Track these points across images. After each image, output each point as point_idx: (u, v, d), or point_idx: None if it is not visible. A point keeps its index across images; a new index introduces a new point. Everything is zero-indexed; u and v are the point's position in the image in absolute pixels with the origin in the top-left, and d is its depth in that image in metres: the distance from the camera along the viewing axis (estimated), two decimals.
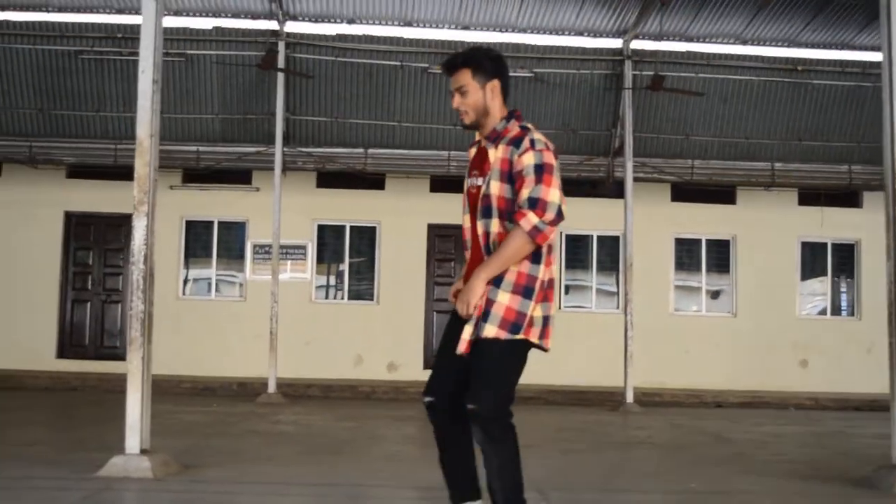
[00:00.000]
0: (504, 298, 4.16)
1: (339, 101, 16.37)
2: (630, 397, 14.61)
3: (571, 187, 17.52)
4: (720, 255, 18.32)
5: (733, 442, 10.58)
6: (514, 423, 4.21)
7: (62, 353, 17.35)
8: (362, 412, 13.01)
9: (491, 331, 4.13)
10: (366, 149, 16.78)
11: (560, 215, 4.13)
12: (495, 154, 4.30)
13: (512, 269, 4.19)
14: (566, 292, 18.12)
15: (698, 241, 18.25)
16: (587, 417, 13.20)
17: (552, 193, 4.14)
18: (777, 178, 17.19)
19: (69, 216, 17.59)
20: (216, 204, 17.22)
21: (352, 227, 17.94)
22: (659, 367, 16.50)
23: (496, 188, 4.26)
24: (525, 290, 4.19)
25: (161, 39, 7.11)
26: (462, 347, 4.19)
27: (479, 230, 4.33)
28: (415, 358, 17.60)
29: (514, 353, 4.20)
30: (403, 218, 17.64)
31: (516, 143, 4.26)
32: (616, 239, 17.86)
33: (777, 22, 15.28)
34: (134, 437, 6.72)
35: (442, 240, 17.99)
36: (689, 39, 15.94)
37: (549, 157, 4.25)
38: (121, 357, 16.93)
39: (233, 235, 17.75)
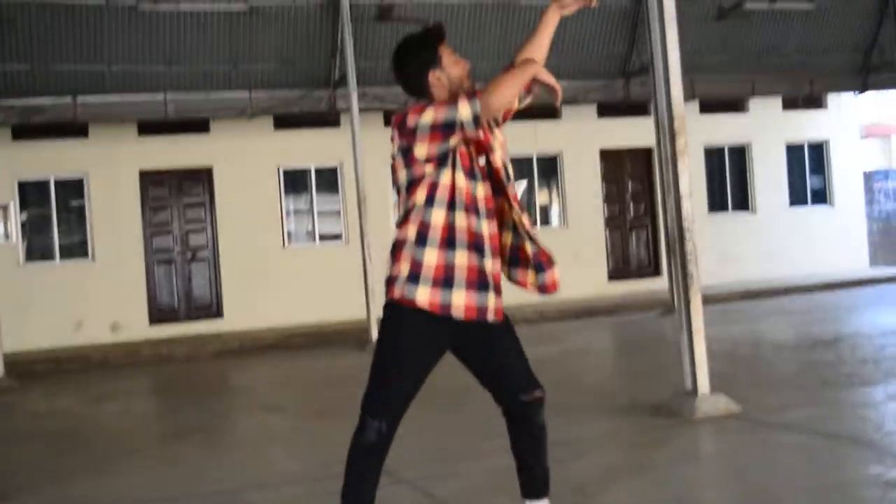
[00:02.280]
0: None
1: (40, 46, 14.94)
2: (375, 334, 14.47)
3: (293, 123, 17.31)
4: None
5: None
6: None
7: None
8: (115, 386, 12.39)
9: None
10: (74, 96, 15.46)
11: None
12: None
13: None
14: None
15: None
16: (343, 361, 12.98)
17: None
18: None
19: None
20: None
21: (57, 182, 16.54)
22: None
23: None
24: None
25: None
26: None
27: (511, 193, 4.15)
28: (139, 315, 16.73)
29: None
30: (113, 167, 16.56)
31: None
32: (334, 170, 17.75)
33: None
34: None
35: (156, 186, 17.00)
36: None
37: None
38: None
39: None
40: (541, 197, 19.64)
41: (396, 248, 4.04)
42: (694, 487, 5.72)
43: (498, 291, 4.02)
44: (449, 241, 3.94)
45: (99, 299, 16.32)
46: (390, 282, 4.02)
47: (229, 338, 15.93)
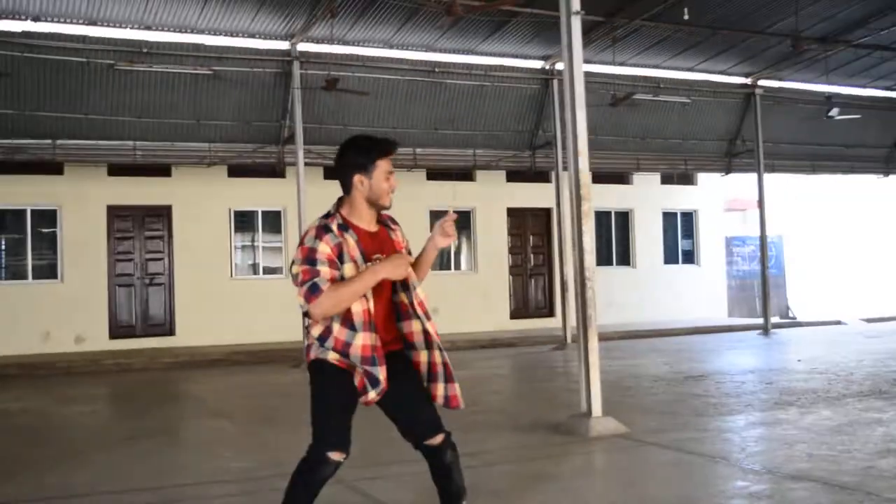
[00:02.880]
0: None
1: (27, 95, 15.67)
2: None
3: (245, 172, 18.23)
4: None
5: None
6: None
7: None
8: (81, 391, 12.71)
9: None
10: (54, 140, 16.21)
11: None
12: (397, 237, 4.26)
13: None
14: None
15: None
16: (283, 378, 13.42)
17: None
18: (418, 161, 18.77)
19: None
20: None
21: (33, 211, 17.31)
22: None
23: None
24: None
25: None
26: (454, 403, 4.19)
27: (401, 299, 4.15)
28: (101, 329, 17.50)
29: None
30: (83, 201, 17.41)
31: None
32: (278, 213, 18.80)
33: (419, 31, 16.61)
34: None
35: (120, 220, 17.87)
36: (348, 43, 16.88)
37: None
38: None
39: None
40: (455, 246, 20.94)
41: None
42: (591, 495, 5.88)
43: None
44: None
45: (65, 315, 17.04)
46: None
47: (180, 352, 16.61)
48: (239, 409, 10.74)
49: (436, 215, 20.27)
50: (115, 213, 17.79)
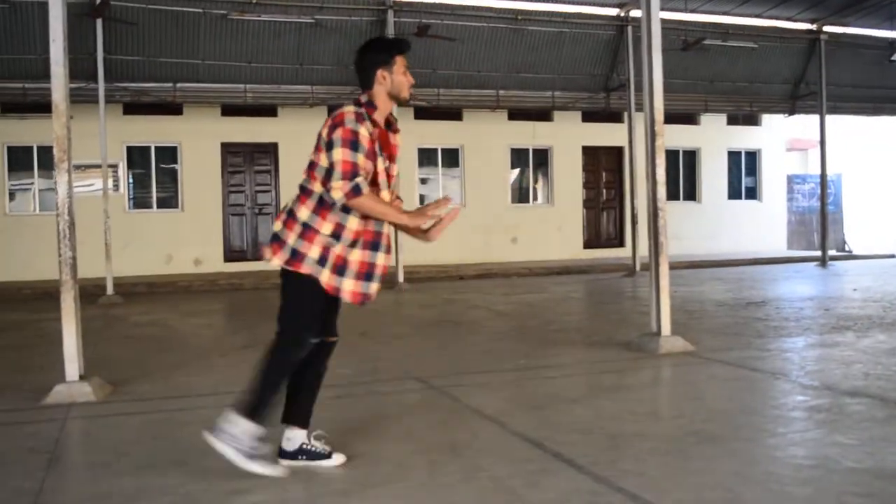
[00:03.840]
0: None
1: (151, 42, 15.54)
2: (401, 277, 15.18)
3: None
4: (451, 159, 19.37)
5: (508, 315, 10.73)
6: None
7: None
8: (199, 307, 12.69)
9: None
10: (174, 83, 16.11)
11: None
12: (396, 141, 4.05)
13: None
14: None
15: (435, 150, 19.18)
16: (379, 296, 13.20)
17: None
18: (501, 102, 18.22)
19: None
20: (37, 131, 15.86)
21: (156, 148, 17.33)
22: (410, 249, 16.74)
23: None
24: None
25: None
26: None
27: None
28: (216, 253, 17.54)
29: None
30: (200, 139, 17.34)
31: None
32: None
33: None
34: (73, 366, 6.31)
35: (232, 155, 17.77)
36: None
37: None
38: None
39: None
40: (534, 181, 20.44)
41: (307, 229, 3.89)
42: (661, 404, 5.86)
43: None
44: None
45: (186, 240, 17.17)
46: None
47: None
48: (339, 322, 10.48)
49: (516, 153, 19.85)
50: (228, 150, 17.71)
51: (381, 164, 3.89)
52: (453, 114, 18.83)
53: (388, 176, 3.97)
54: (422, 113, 18.26)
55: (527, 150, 19.99)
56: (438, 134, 18.95)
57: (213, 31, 15.77)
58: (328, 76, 16.94)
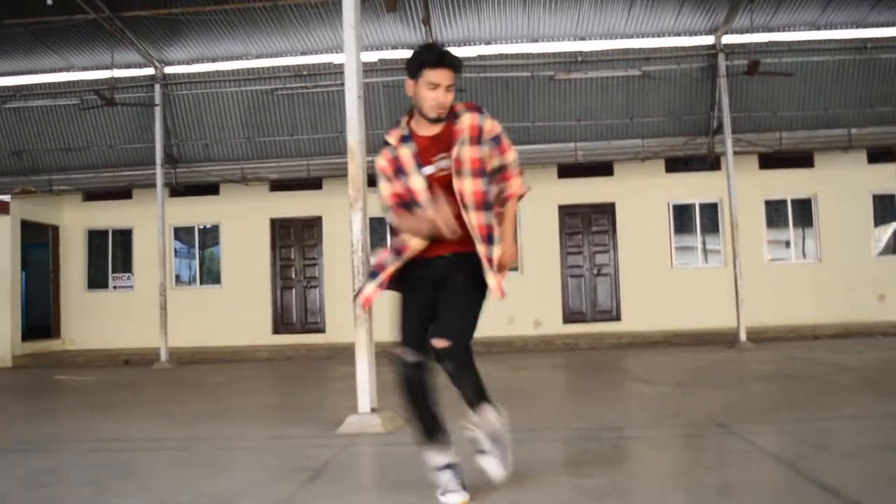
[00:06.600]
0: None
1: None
2: (743, 336, 14.15)
3: (678, 164, 17.22)
4: (803, 212, 17.64)
5: (854, 369, 9.78)
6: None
7: (276, 329, 17.57)
8: (529, 363, 12.76)
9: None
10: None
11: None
12: (461, 125, 3.97)
13: None
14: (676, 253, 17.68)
15: (784, 202, 17.60)
16: (714, 355, 12.60)
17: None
18: (853, 142, 16.42)
19: (273, 221, 17.81)
20: None
21: None
22: (758, 310, 15.79)
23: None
24: None
25: (360, 68, 6.97)
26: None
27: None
28: (555, 315, 17.41)
29: None
30: (537, 201, 17.24)
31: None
32: (713, 205, 17.41)
33: (846, 9, 14.60)
34: (364, 398, 6.56)
35: (571, 217, 17.70)
36: (771, 30, 15.31)
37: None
38: (321, 330, 17.31)
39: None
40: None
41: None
42: None
43: None
44: None
45: (526, 303, 17.10)
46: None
47: (624, 335, 16.03)
48: (659, 377, 10.08)
49: (879, 200, 17.59)
50: (565, 212, 17.67)
51: (416, 180, 3.94)
52: (798, 160, 17.19)
53: (436, 181, 3.94)
54: (765, 162, 17.02)
55: (892, 195, 17.67)
56: (786, 183, 17.40)
57: (541, 92, 16.01)
58: (659, 128, 16.46)
